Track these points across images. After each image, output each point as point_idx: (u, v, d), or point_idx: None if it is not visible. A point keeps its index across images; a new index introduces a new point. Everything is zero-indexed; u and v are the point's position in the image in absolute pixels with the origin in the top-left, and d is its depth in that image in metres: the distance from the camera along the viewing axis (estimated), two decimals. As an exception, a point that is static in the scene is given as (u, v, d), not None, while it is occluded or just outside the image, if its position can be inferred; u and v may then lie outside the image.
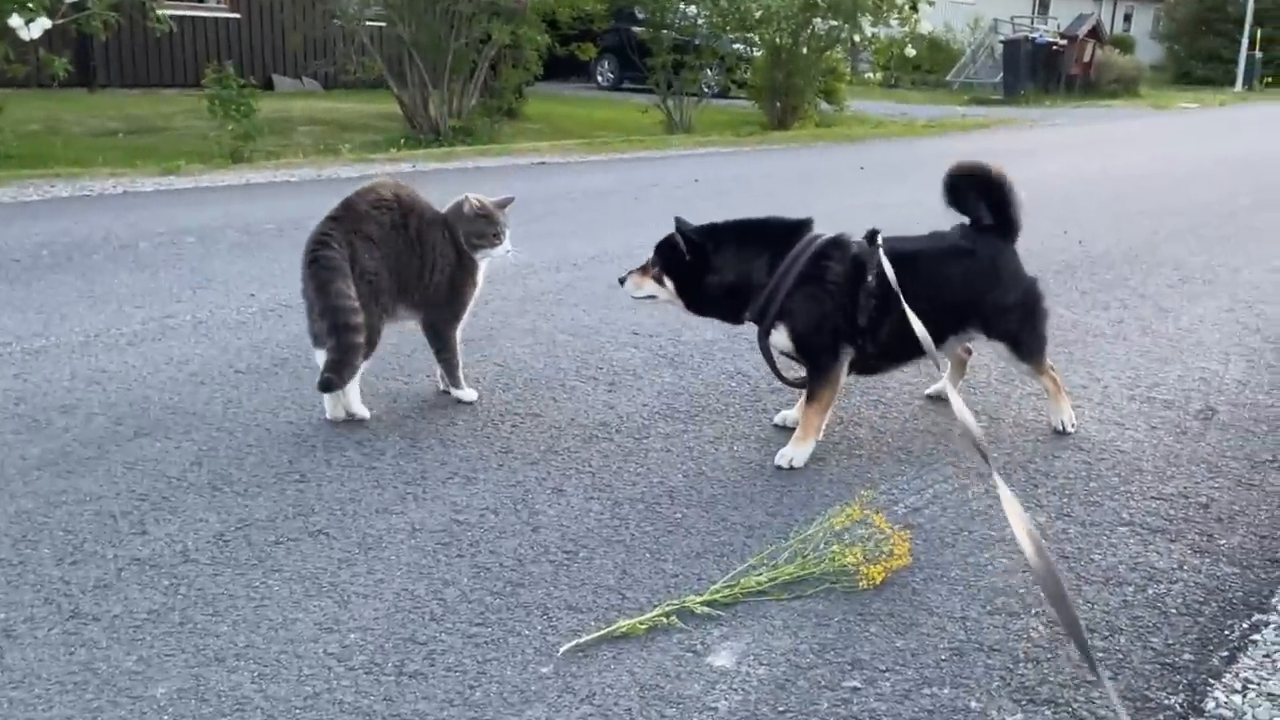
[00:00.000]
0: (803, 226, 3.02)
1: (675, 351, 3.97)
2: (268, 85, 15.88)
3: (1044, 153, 12.49)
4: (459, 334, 3.30)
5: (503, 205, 3.28)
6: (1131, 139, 15.37)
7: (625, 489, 2.77)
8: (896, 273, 2.91)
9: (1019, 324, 3.25)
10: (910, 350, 2.97)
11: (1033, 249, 5.98)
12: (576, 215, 6.67)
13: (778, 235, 3.00)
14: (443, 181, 8.27)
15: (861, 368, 3.14)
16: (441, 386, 3.37)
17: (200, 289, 4.51)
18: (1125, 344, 4.33)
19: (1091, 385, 3.82)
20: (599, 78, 21.17)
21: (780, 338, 3.00)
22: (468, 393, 3.33)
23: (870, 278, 2.94)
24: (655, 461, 2.96)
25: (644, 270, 3.07)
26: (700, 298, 3.03)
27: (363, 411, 3.10)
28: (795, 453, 3.00)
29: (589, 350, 3.94)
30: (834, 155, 11.87)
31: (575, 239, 5.89)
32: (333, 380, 2.92)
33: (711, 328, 4.26)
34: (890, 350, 3.06)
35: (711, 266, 2.96)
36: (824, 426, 3.08)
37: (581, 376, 3.64)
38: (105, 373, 3.43)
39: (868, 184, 9.10)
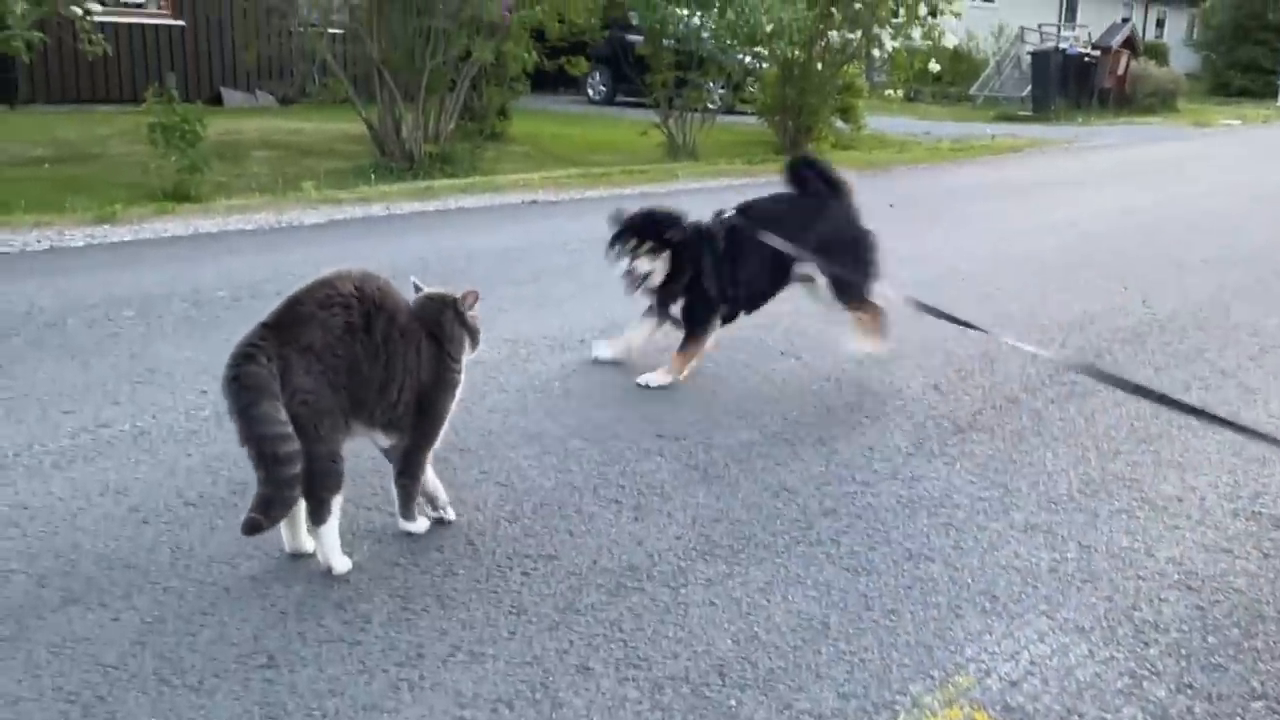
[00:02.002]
0: None
1: (707, 460, 3.72)
2: (215, 100, 15.66)
3: (1086, 184, 12.39)
4: (431, 456, 3.04)
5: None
6: (1177, 164, 15.34)
7: (664, 663, 2.53)
8: None
9: None
10: None
11: (1093, 311, 5.90)
12: (577, 272, 6.40)
13: None
14: (424, 226, 8.04)
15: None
16: (431, 513, 3.11)
17: (141, 383, 4.24)
18: (1215, 438, 4.15)
19: (1188, 497, 3.62)
20: (590, 90, 21.01)
21: None
22: (418, 524, 3.09)
23: None
24: (697, 621, 2.72)
25: None
26: None
27: (342, 565, 2.84)
28: None
29: (606, 460, 3.69)
30: (858, 188, 11.64)
31: (577, 305, 5.65)
32: (259, 521, 2.65)
33: (745, 427, 4.03)
34: None
35: None
36: None
37: (600, 498, 3.39)
38: (26, 509, 3.16)
39: (900, 226, 8.86)
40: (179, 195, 8.39)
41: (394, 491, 3.06)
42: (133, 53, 15.00)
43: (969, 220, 9.46)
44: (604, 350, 4.78)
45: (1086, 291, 6.49)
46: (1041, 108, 22.55)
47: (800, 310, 5.65)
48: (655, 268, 4.44)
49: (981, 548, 3.18)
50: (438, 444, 3.04)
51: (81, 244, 6.88)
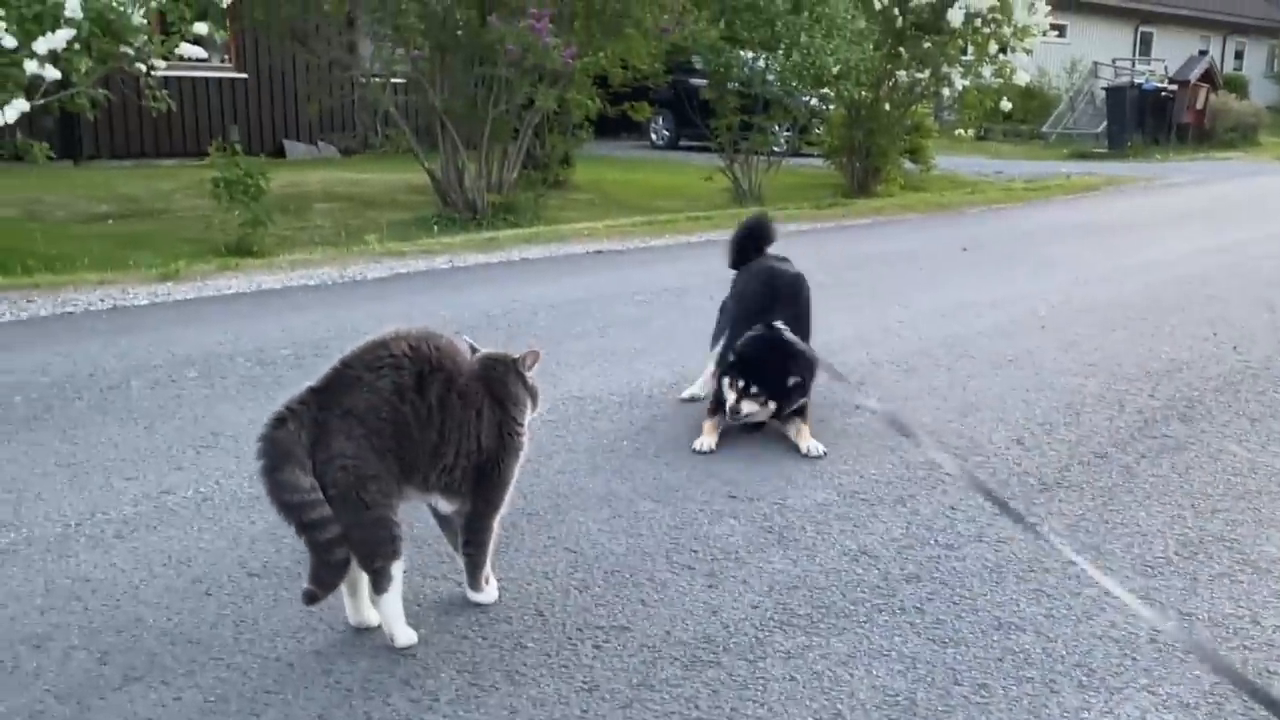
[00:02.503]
0: None
1: (783, 522, 3.64)
2: (278, 152, 15.98)
3: (1167, 223, 12.17)
4: (498, 521, 2.98)
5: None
6: (1261, 201, 15.06)
7: (745, 746, 2.44)
8: None
9: None
10: None
11: (1182, 358, 5.74)
12: (645, 324, 6.38)
13: None
14: (487, 279, 8.07)
15: None
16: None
17: (205, 447, 4.26)
18: (1317, 494, 4.00)
19: (1296, 563, 3.45)
20: (653, 135, 21.15)
21: None
22: (487, 594, 3.04)
23: None
24: (777, 698, 2.64)
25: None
26: None
27: (405, 637, 2.80)
28: None
29: (678, 523, 3.63)
30: (929, 231, 11.59)
31: (647, 359, 5.61)
32: (314, 593, 2.67)
33: (821, 487, 3.94)
34: None
35: None
36: None
37: (673, 564, 3.32)
38: (88, 582, 3.16)
39: (975, 270, 8.78)
40: (242, 250, 8.53)
41: (460, 560, 3.03)
42: (196, 107, 15.31)
43: (1047, 263, 9.29)
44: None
45: (1174, 337, 6.32)
46: (1118, 145, 22.30)
47: (872, 360, 5.58)
48: (761, 414, 4.34)
49: (1075, 616, 3.06)
50: (504, 509, 2.99)
51: (145, 303, 6.98)
